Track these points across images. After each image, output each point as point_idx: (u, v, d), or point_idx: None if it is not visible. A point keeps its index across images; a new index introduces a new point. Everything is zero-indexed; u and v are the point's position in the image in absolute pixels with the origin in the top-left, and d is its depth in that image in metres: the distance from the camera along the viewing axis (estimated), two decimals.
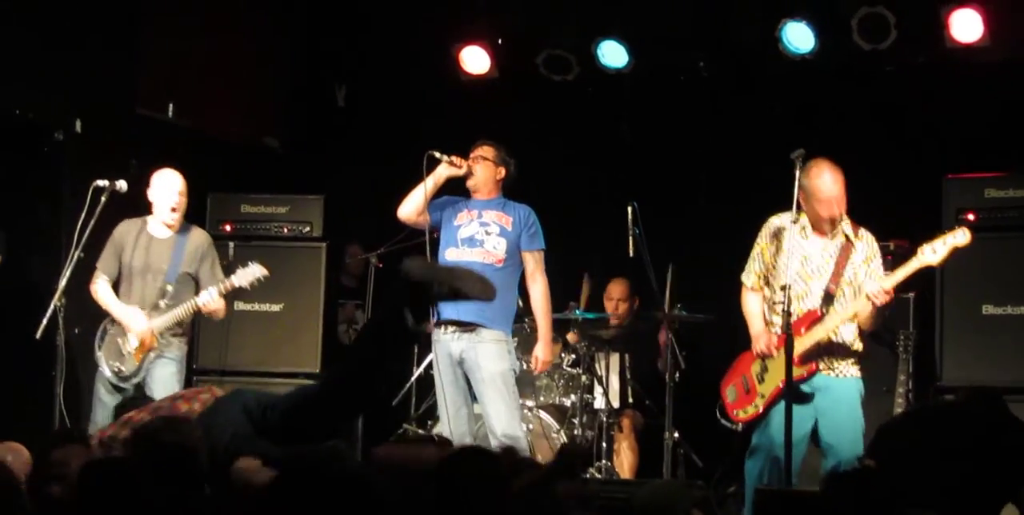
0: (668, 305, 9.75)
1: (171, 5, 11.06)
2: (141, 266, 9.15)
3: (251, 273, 9.19)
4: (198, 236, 9.41)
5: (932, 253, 7.92)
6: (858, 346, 8.17)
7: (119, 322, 9.15)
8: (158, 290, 9.14)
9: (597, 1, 11.42)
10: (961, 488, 4.41)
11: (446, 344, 8.92)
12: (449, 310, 8.80)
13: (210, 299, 9.11)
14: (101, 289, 9.22)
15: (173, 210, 9.23)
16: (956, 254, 8.02)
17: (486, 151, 9.18)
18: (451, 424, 8.82)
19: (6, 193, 10.25)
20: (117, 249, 9.21)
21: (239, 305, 10.60)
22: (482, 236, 9.01)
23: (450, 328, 8.89)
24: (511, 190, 9.24)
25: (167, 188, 9.24)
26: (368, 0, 11.75)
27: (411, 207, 9.10)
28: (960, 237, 7.94)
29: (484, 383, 8.83)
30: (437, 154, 9.00)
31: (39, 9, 9.88)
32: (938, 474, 4.54)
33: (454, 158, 9.04)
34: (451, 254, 9.00)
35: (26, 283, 10.14)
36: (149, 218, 9.30)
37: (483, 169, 9.15)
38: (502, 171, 9.19)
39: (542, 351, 9.12)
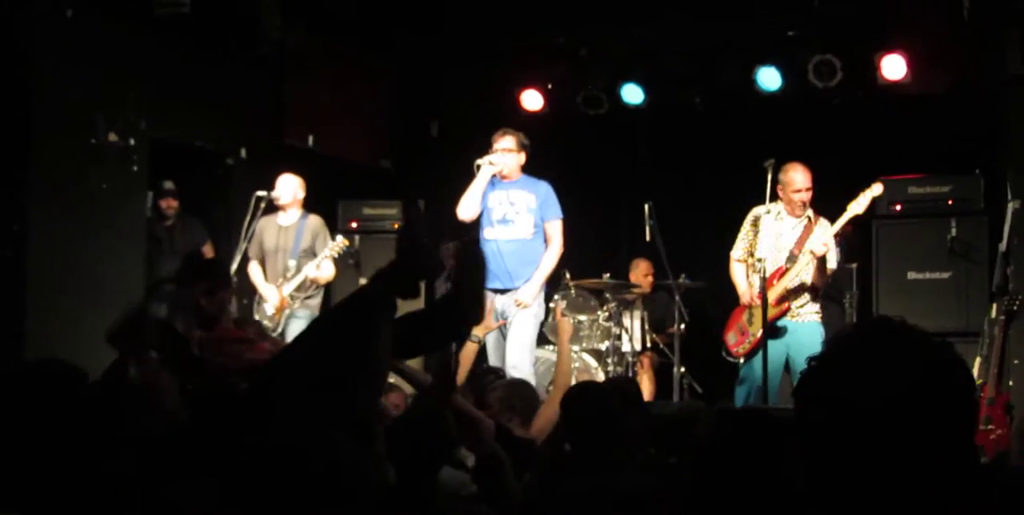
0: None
1: (310, 61, 11.13)
2: (273, 248, 9.40)
3: (336, 244, 9.37)
4: (313, 220, 9.56)
5: (857, 206, 8.28)
6: (814, 302, 8.39)
7: (262, 297, 9.45)
8: (285, 265, 9.34)
9: (620, 55, 11.41)
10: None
11: (492, 302, 8.33)
12: (493, 280, 8.35)
13: (311, 270, 9.29)
14: (252, 270, 9.48)
15: (290, 202, 9.47)
16: (877, 198, 8.43)
17: (509, 142, 8.65)
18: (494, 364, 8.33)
19: (193, 203, 10.41)
20: (258, 239, 9.42)
21: (364, 281, 10.59)
22: (512, 216, 8.57)
23: (497, 292, 8.43)
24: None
25: (285, 187, 9.48)
26: (452, 56, 11.69)
27: (473, 208, 8.59)
28: (875, 189, 8.32)
29: (512, 323, 8.41)
30: (479, 161, 8.59)
31: (213, 68, 9.99)
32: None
33: (491, 158, 8.55)
34: (489, 233, 8.56)
35: None
36: (279, 213, 9.52)
37: (509, 159, 8.60)
38: (523, 156, 8.69)
39: (522, 294, 8.45)
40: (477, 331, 7.44)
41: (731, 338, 8.64)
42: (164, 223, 10.08)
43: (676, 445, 4.80)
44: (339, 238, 9.41)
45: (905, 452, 1.75)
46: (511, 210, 8.61)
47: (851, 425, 1.76)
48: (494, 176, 8.65)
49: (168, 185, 10.11)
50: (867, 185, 9.17)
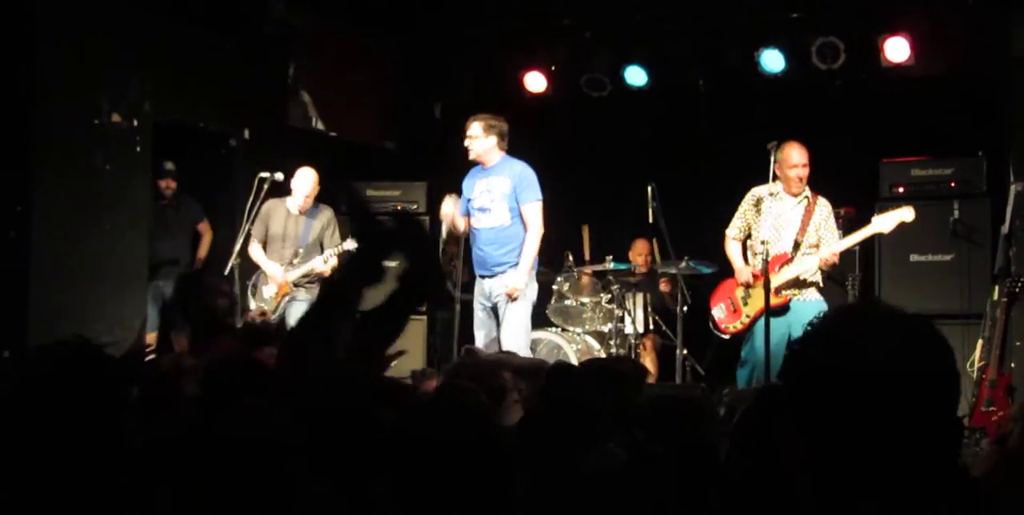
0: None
1: (314, 44, 11.08)
2: (281, 234, 9.34)
3: (344, 248, 9.23)
4: (325, 212, 9.53)
5: (884, 224, 8.20)
6: (818, 278, 8.36)
7: (265, 273, 9.38)
8: (292, 252, 9.26)
9: (623, 37, 11.34)
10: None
11: (481, 286, 8.52)
12: (481, 268, 8.48)
13: (318, 264, 9.26)
14: (254, 250, 9.46)
15: (306, 198, 9.38)
16: (907, 224, 8.29)
17: (473, 129, 8.45)
18: (481, 344, 8.39)
19: (196, 184, 10.47)
20: (264, 221, 9.38)
21: None
22: (489, 204, 8.43)
23: (484, 278, 8.48)
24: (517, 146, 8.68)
25: (304, 182, 9.39)
26: (456, 39, 11.65)
27: (460, 226, 8.69)
28: (907, 214, 8.19)
29: (505, 310, 8.32)
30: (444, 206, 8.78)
31: (219, 50, 9.99)
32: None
33: (445, 204, 8.75)
34: (472, 221, 8.53)
35: (211, 249, 10.43)
36: (288, 199, 9.46)
37: (476, 145, 8.41)
38: (493, 138, 8.41)
39: (511, 279, 8.33)
40: None
41: (718, 312, 8.65)
42: (160, 203, 10.09)
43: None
44: (348, 244, 9.19)
45: (886, 429, 1.76)
46: (487, 197, 8.45)
47: (833, 401, 1.78)
48: (477, 164, 8.54)
49: (168, 165, 10.12)
50: (872, 172, 9.22)
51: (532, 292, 8.51)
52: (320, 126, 11.37)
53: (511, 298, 8.31)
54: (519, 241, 8.40)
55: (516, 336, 8.31)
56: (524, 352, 8.19)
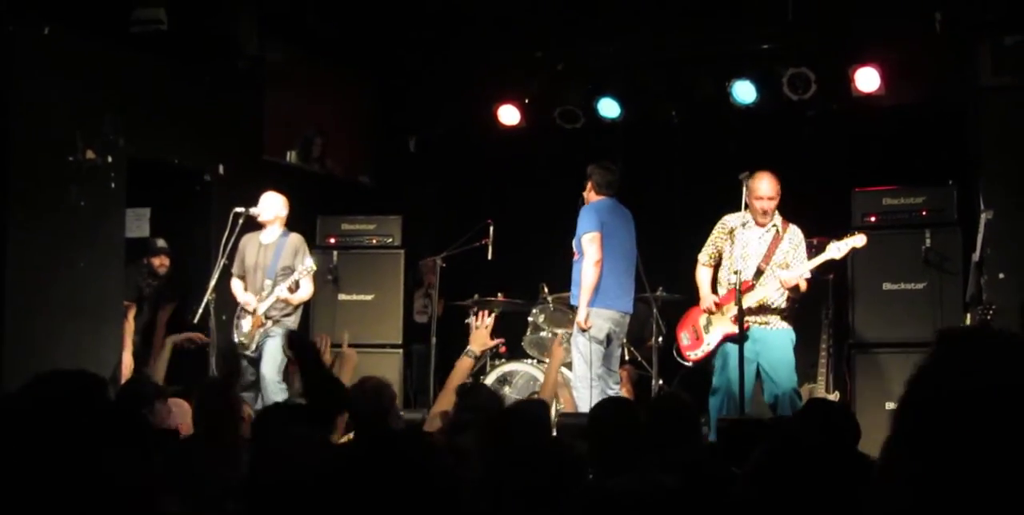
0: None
1: (287, 80, 11.16)
2: (253, 265, 9.40)
3: (305, 268, 9.29)
4: (294, 238, 9.53)
5: (837, 251, 8.37)
6: (783, 305, 8.47)
7: (244, 307, 9.37)
8: (262, 283, 9.28)
9: (596, 69, 11.47)
10: None
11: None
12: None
13: (283, 291, 9.22)
14: (234, 285, 9.52)
15: (260, 214, 9.43)
16: (858, 250, 8.50)
17: None
18: None
19: (171, 219, 10.49)
20: (240, 256, 9.41)
21: (342, 296, 10.74)
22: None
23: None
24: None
25: (269, 204, 9.48)
26: (428, 73, 11.73)
27: None
28: (858, 240, 8.41)
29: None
30: None
31: (193, 86, 10.06)
32: None
33: None
34: None
35: (186, 283, 10.38)
36: (261, 232, 9.51)
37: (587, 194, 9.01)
38: (589, 184, 9.00)
39: (577, 318, 8.79)
40: (474, 346, 7.46)
41: (684, 338, 8.79)
42: (152, 282, 10.13)
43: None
44: (308, 261, 9.36)
45: (1010, 454, 1.76)
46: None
47: (957, 427, 1.77)
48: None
49: (160, 243, 10.15)
50: (844, 202, 9.29)
51: (592, 328, 8.73)
52: (339, 172, 11.73)
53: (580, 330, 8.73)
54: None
55: (574, 369, 8.80)
56: (580, 386, 8.69)
